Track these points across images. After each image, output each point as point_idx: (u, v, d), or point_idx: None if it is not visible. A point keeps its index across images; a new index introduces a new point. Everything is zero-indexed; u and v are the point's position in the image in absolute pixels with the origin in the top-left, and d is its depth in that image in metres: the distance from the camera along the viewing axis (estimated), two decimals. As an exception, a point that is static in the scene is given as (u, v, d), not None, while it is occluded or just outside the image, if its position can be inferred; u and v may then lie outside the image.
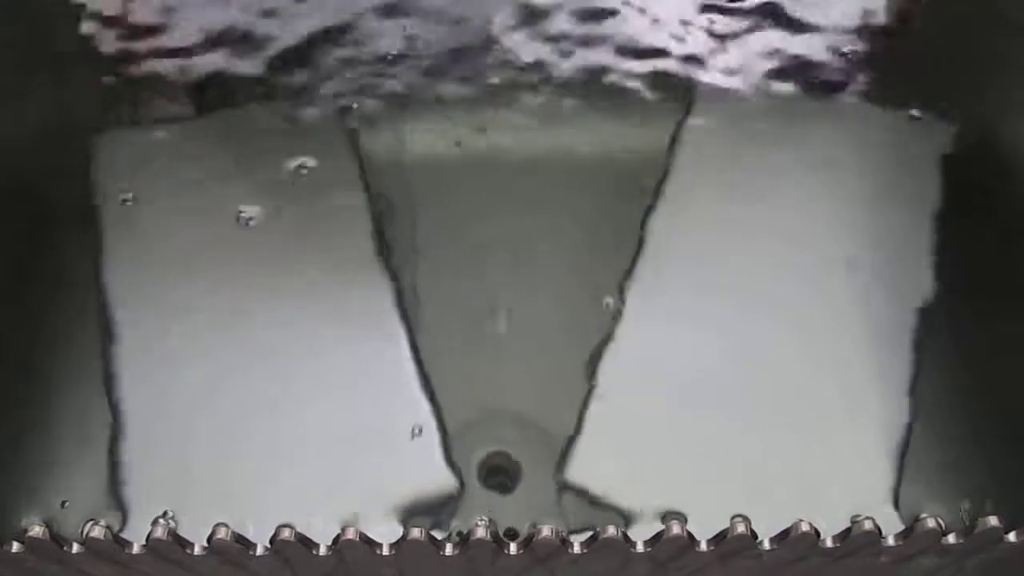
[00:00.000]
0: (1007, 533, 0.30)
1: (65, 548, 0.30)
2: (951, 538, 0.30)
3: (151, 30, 0.50)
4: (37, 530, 0.30)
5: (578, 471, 0.40)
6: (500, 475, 0.41)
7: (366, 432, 0.40)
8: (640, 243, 0.44)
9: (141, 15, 0.51)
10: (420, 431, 0.40)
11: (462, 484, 0.39)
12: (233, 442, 0.39)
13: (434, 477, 0.39)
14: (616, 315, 0.43)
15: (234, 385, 0.41)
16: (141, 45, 0.50)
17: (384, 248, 0.44)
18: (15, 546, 0.30)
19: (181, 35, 0.50)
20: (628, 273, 0.43)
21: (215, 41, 0.50)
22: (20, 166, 0.46)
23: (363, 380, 0.41)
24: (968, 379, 0.41)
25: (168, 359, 0.41)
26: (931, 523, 0.30)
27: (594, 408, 0.41)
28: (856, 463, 0.39)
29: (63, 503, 0.38)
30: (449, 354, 0.42)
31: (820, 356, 0.42)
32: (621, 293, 0.43)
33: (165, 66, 0.50)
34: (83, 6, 0.51)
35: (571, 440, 0.40)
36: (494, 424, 0.41)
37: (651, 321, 0.43)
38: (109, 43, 0.50)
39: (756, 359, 0.41)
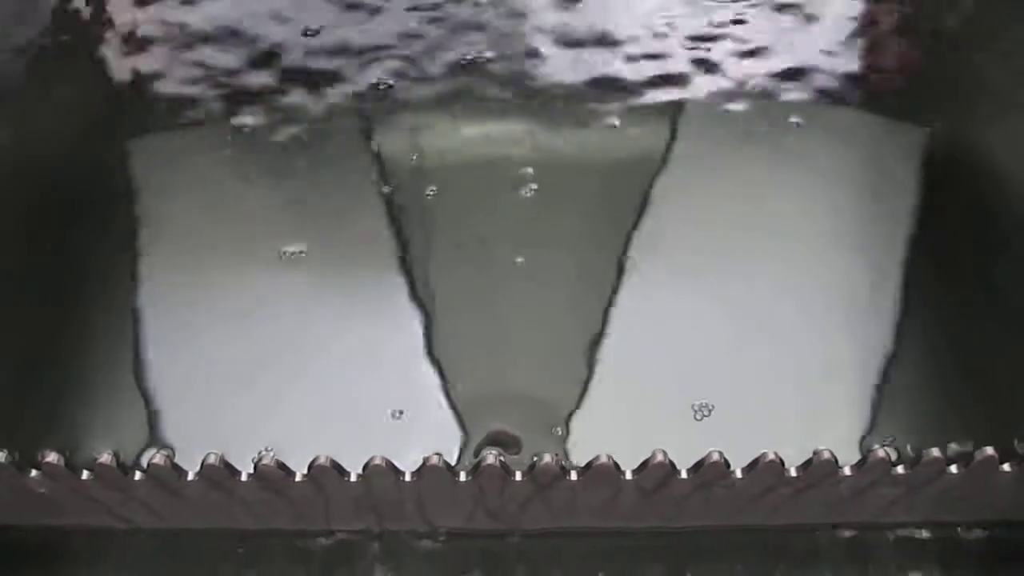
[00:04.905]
0: (948, 465, 0.35)
1: (128, 475, 0.34)
2: (900, 469, 0.35)
3: (175, 39, 0.56)
4: (106, 457, 0.34)
5: (577, 444, 0.43)
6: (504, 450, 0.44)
7: (381, 406, 0.43)
8: (637, 230, 0.49)
9: (166, 22, 0.57)
10: (429, 408, 0.43)
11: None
12: (260, 415, 0.43)
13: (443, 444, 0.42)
14: (618, 296, 0.46)
15: (258, 368, 0.44)
16: (169, 51, 0.56)
17: (400, 242, 0.49)
18: (84, 474, 0.34)
19: (206, 41, 0.56)
20: (627, 260, 0.47)
21: (237, 45, 0.55)
22: (57, 165, 0.51)
23: (379, 362, 0.45)
24: (939, 348, 0.45)
25: (195, 346, 0.45)
26: (881, 454, 0.34)
27: (594, 387, 0.44)
28: (837, 415, 0.42)
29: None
30: (460, 340, 0.46)
31: (807, 332, 0.45)
32: (620, 273, 0.47)
33: (193, 72, 0.55)
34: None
35: (571, 415, 0.43)
36: (500, 403, 0.45)
37: (648, 304, 0.46)
38: (141, 50, 0.56)
39: (748, 335, 0.45)
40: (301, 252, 0.48)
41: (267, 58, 0.55)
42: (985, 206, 0.49)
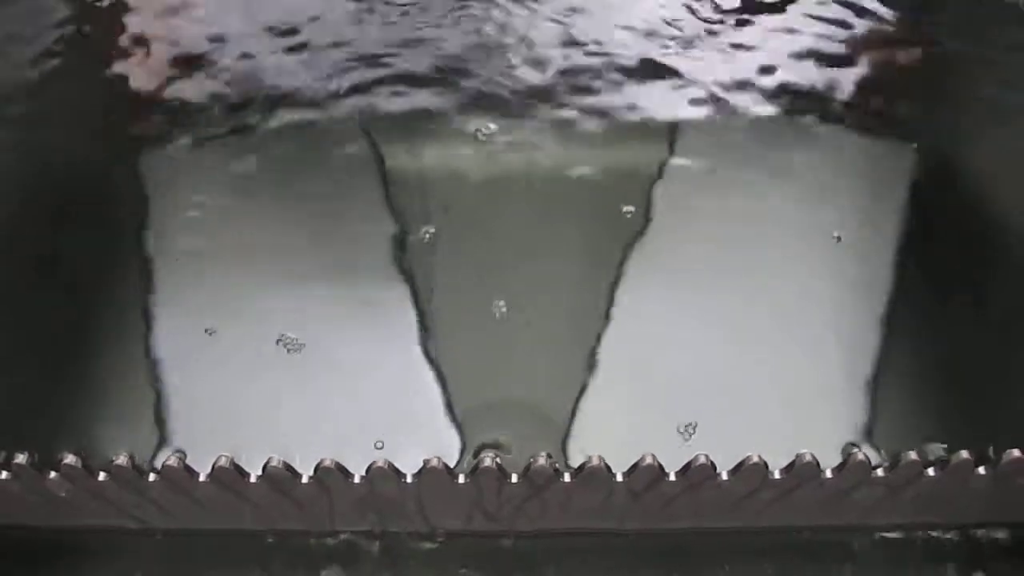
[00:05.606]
0: (926, 468, 0.36)
1: (143, 477, 0.36)
2: (880, 472, 0.36)
3: (191, 57, 0.58)
4: (122, 459, 0.36)
5: (574, 450, 0.44)
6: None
7: (383, 412, 0.45)
8: (632, 247, 0.50)
9: (183, 42, 0.59)
10: (429, 416, 0.45)
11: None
12: (268, 419, 0.44)
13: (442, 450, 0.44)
14: (612, 311, 0.48)
15: (266, 372, 0.46)
16: (180, 70, 0.58)
17: (403, 253, 0.50)
18: (101, 475, 0.36)
19: (217, 59, 0.58)
20: (623, 271, 0.49)
21: (249, 64, 0.58)
22: (68, 172, 0.53)
23: (381, 366, 0.46)
24: (929, 365, 0.46)
25: (205, 349, 0.46)
26: (860, 456, 0.36)
27: (590, 395, 0.45)
28: (826, 433, 0.43)
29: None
30: (459, 348, 0.47)
31: (797, 352, 0.46)
32: (614, 290, 0.48)
33: (203, 88, 0.57)
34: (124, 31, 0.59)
35: (568, 423, 0.44)
36: (498, 410, 0.46)
37: (643, 316, 0.48)
38: (151, 68, 0.58)
39: (740, 348, 0.46)
40: (305, 257, 0.50)
41: (276, 74, 0.58)
42: (971, 220, 0.51)
